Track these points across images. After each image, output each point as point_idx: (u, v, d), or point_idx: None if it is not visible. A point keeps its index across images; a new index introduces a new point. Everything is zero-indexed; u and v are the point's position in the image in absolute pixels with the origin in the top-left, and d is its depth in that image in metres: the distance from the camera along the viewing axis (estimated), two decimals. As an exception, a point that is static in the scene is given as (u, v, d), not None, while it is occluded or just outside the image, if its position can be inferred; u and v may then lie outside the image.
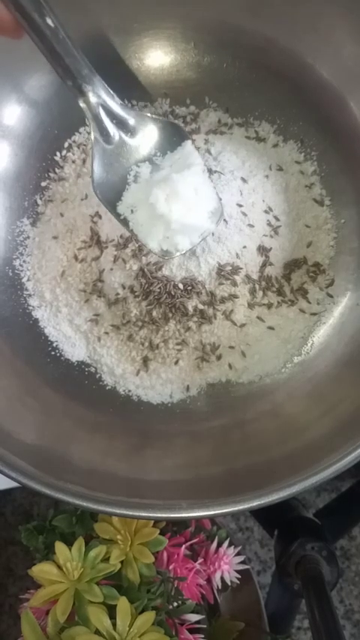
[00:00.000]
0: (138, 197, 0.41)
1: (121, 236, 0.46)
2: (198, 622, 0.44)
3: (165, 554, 0.45)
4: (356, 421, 0.38)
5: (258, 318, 0.46)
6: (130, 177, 0.42)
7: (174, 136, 0.42)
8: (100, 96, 0.39)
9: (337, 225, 0.47)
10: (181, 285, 0.45)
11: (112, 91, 0.40)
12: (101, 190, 0.41)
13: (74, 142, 0.50)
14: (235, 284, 0.45)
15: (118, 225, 0.46)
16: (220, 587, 0.47)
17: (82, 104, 0.40)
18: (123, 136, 0.41)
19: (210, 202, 0.42)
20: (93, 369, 0.47)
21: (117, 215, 0.42)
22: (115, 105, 0.41)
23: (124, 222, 0.42)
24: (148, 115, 0.43)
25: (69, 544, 0.42)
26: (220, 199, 0.42)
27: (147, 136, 0.42)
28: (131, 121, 0.42)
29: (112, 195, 0.42)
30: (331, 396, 0.43)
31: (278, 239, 0.47)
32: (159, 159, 0.43)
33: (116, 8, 0.47)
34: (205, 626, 0.45)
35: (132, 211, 0.41)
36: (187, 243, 0.41)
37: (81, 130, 0.50)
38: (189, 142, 0.42)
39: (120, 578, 0.42)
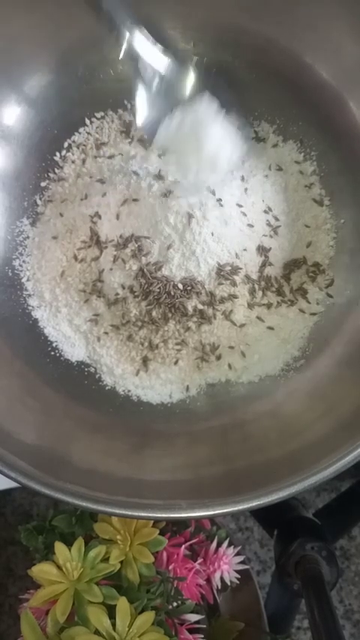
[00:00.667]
0: (170, 138, 0.45)
1: (120, 236, 0.46)
2: (197, 622, 0.44)
3: (165, 554, 0.45)
4: (356, 421, 0.38)
5: (257, 318, 0.46)
6: (165, 118, 0.45)
7: (207, 85, 0.46)
8: (140, 46, 0.42)
9: (337, 225, 0.47)
10: (180, 286, 0.45)
11: (153, 40, 0.43)
12: (145, 127, 0.46)
13: (74, 142, 0.50)
14: (234, 284, 0.45)
15: (117, 225, 0.46)
16: (219, 587, 0.47)
17: (123, 53, 0.43)
18: (160, 80, 0.45)
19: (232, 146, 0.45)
20: (92, 369, 0.47)
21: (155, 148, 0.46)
22: (153, 53, 0.43)
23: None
24: (188, 64, 0.46)
25: (69, 544, 0.42)
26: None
27: (182, 81, 0.46)
28: (168, 67, 0.45)
29: (152, 131, 0.46)
30: (330, 396, 0.43)
31: (278, 239, 0.47)
32: (191, 104, 0.45)
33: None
34: (204, 626, 0.45)
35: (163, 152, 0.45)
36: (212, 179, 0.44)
37: (81, 130, 0.50)
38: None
39: (120, 579, 0.42)
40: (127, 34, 0.41)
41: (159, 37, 0.44)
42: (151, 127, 0.45)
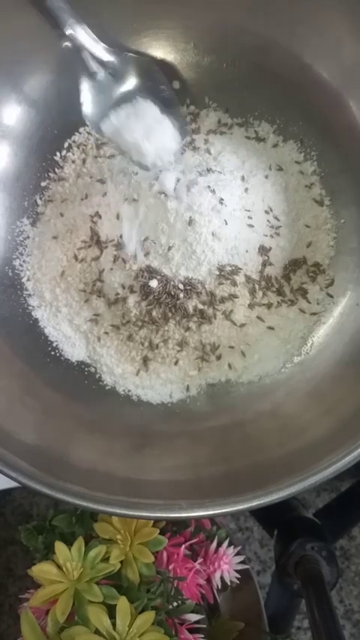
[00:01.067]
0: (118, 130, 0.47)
1: (120, 236, 0.46)
2: (198, 622, 0.44)
3: (165, 554, 0.45)
4: (356, 421, 0.38)
5: (258, 318, 0.46)
6: (111, 111, 0.47)
7: (153, 78, 0.48)
8: (84, 42, 0.45)
9: (337, 225, 0.47)
10: (181, 285, 0.45)
11: (95, 37, 0.46)
12: (90, 117, 0.48)
13: (74, 142, 0.50)
14: (234, 284, 0.45)
15: (117, 225, 0.46)
16: (219, 587, 0.47)
17: (67, 45, 0.46)
18: (106, 74, 0.47)
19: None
20: (93, 369, 0.47)
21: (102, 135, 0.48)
22: (97, 49, 0.46)
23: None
24: (131, 55, 0.48)
25: (69, 544, 0.42)
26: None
27: (129, 76, 0.48)
28: (113, 64, 0.47)
29: (98, 121, 0.48)
30: (330, 395, 0.43)
31: (278, 239, 0.47)
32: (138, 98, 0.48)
33: (116, 8, 0.47)
34: (204, 626, 0.45)
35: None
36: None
37: (81, 130, 0.50)
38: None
39: (120, 578, 0.42)
40: (70, 30, 0.44)
41: (103, 35, 0.46)
42: (96, 119, 0.47)
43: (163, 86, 0.48)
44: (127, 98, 0.47)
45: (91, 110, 0.47)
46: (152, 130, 0.46)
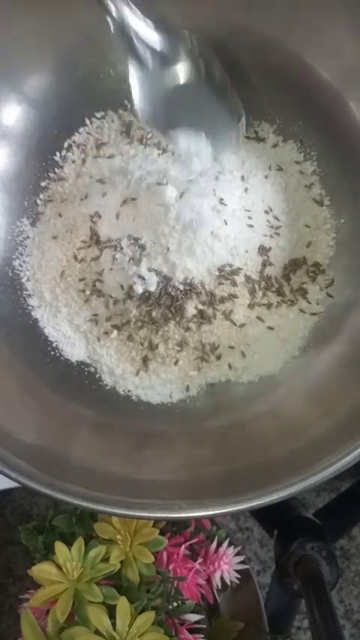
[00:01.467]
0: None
1: (120, 236, 0.46)
2: (198, 622, 0.44)
3: (165, 554, 0.45)
4: (356, 421, 0.38)
5: (258, 318, 0.46)
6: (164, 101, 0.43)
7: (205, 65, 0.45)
8: (132, 26, 0.41)
9: (337, 225, 0.47)
10: (180, 286, 0.45)
11: (147, 21, 0.41)
12: (143, 114, 0.44)
13: (74, 142, 0.50)
14: (234, 284, 0.45)
15: (117, 225, 0.46)
16: (219, 587, 0.47)
17: (115, 33, 0.41)
18: (156, 62, 0.43)
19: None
20: (92, 369, 0.47)
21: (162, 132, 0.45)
22: (147, 34, 0.42)
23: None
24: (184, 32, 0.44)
25: (69, 544, 0.42)
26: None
27: (179, 63, 0.44)
28: (164, 49, 0.43)
29: (153, 117, 0.44)
30: (330, 396, 0.42)
31: (278, 239, 0.47)
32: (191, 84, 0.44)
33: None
34: (204, 626, 0.45)
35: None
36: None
37: (81, 130, 0.50)
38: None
39: (120, 578, 0.42)
40: (117, 10, 0.40)
41: (151, 14, 0.43)
42: (147, 107, 0.44)
43: (215, 68, 0.44)
44: (180, 88, 0.43)
45: (142, 104, 0.43)
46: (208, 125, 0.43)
